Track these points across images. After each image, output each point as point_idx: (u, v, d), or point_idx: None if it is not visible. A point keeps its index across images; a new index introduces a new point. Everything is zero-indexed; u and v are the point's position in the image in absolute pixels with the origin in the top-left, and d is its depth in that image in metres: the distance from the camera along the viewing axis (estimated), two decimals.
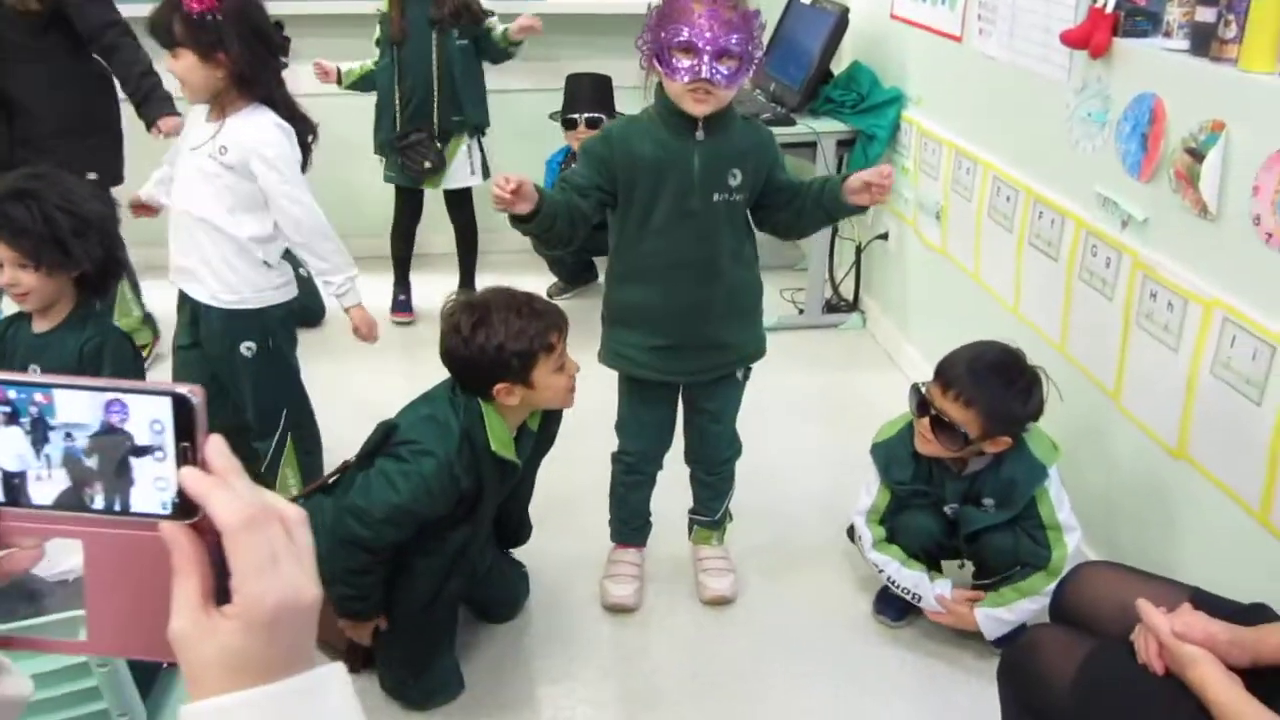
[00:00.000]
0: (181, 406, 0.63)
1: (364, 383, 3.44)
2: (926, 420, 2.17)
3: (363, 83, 3.66)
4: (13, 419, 0.63)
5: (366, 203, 3.96)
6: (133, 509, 0.64)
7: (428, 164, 3.69)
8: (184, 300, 2.51)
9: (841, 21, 3.62)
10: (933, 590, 2.27)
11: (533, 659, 2.34)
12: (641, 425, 2.41)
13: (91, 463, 0.64)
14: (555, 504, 2.63)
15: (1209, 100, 2.03)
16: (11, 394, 0.63)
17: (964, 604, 2.25)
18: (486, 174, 3.81)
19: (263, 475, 2.58)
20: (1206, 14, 2.05)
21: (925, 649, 2.35)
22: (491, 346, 2.02)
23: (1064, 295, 2.54)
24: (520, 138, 4.12)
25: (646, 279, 2.21)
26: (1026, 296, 2.74)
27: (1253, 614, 1.57)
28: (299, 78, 2.52)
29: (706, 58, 1.98)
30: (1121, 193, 2.31)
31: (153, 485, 0.63)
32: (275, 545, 0.61)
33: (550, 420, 2.28)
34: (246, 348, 2.46)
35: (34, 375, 0.64)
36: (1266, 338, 1.88)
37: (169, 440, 0.63)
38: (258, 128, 2.33)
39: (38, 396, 0.63)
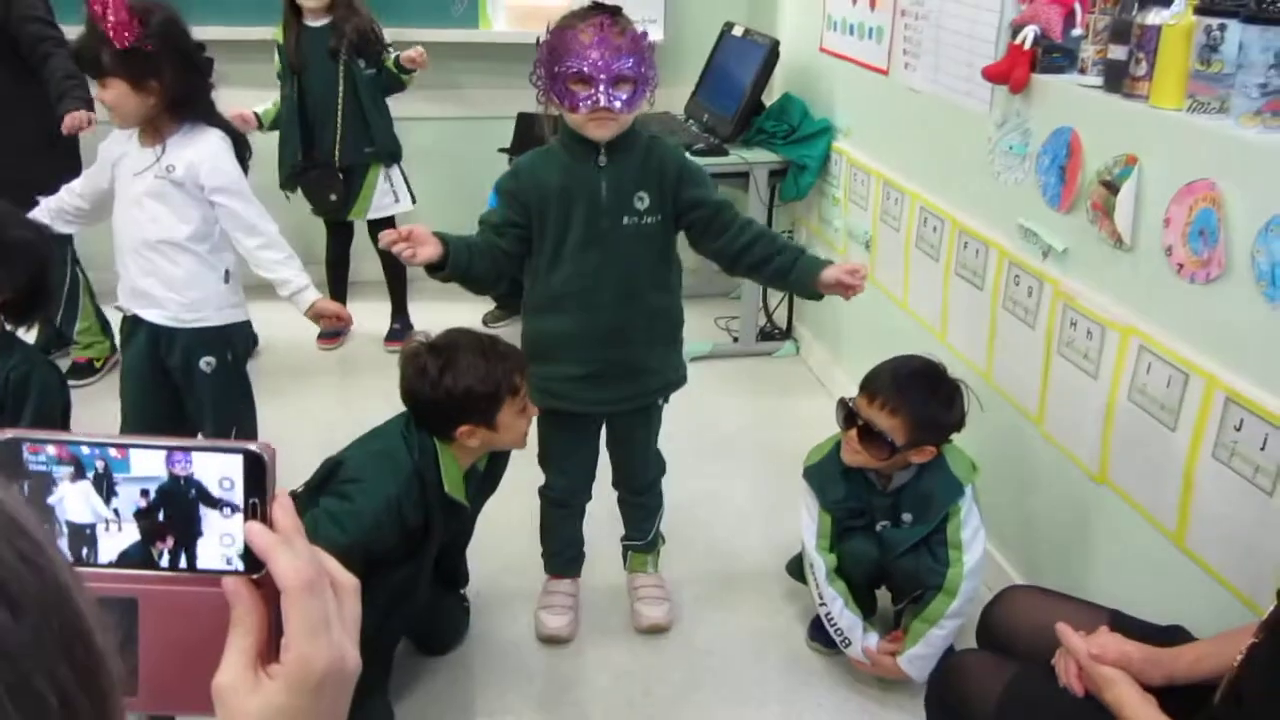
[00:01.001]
0: (253, 464, 0.63)
1: (299, 413, 3.39)
2: (854, 431, 2.20)
3: (279, 119, 3.62)
4: (80, 474, 0.63)
5: (302, 231, 3.90)
6: (202, 564, 0.64)
7: (333, 196, 3.66)
8: (138, 324, 2.50)
9: (772, 54, 3.68)
10: (861, 644, 2.29)
11: (467, 691, 2.32)
12: (565, 460, 2.41)
13: (160, 515, 0.64)
14: (490, 535, 2.61)
15: (1122, 134, 2.10)
16: (84, 449, 0.63)
17: (886, 656, 2.27)
18: (414, 198, 3.81)
19: None
20: (1118, 52, 2.12)
21: (859, 675, 2.36)
22: (459, 389, 2.04)
23: (989, 323, 2.60)
24: (464, 167, 4.13)
25: (562, 308, 2.21)
26: (953, 324, 2.80)
27: (1169, 635, 1.61)
28: (224, 104, 2.53)
29: (602, 85, 2.00)
30: (1042, 223, 2.38)
31: (219, 541, 0.64)
32: (329, 609, 0.61)
33: (496, 463, 2.29)
34: (206, 363, 2.50)
35: (113, 436, 0.64)
36: (1180, 365, 1.94)
37: (238, 497, 0.64)
38: (203, 142, 2.38)
39: (111, 451, 0.63)
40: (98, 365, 3.61)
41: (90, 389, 3.46)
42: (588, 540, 2.55)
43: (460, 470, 2.14)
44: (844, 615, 2.30)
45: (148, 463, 0.63)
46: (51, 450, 0.63)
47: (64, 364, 3.51)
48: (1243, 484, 1.79)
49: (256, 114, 3.55)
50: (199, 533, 0.64)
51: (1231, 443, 1.82)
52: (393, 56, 3.59)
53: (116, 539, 0.64)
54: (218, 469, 0.63)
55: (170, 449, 0.63)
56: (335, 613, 0.62)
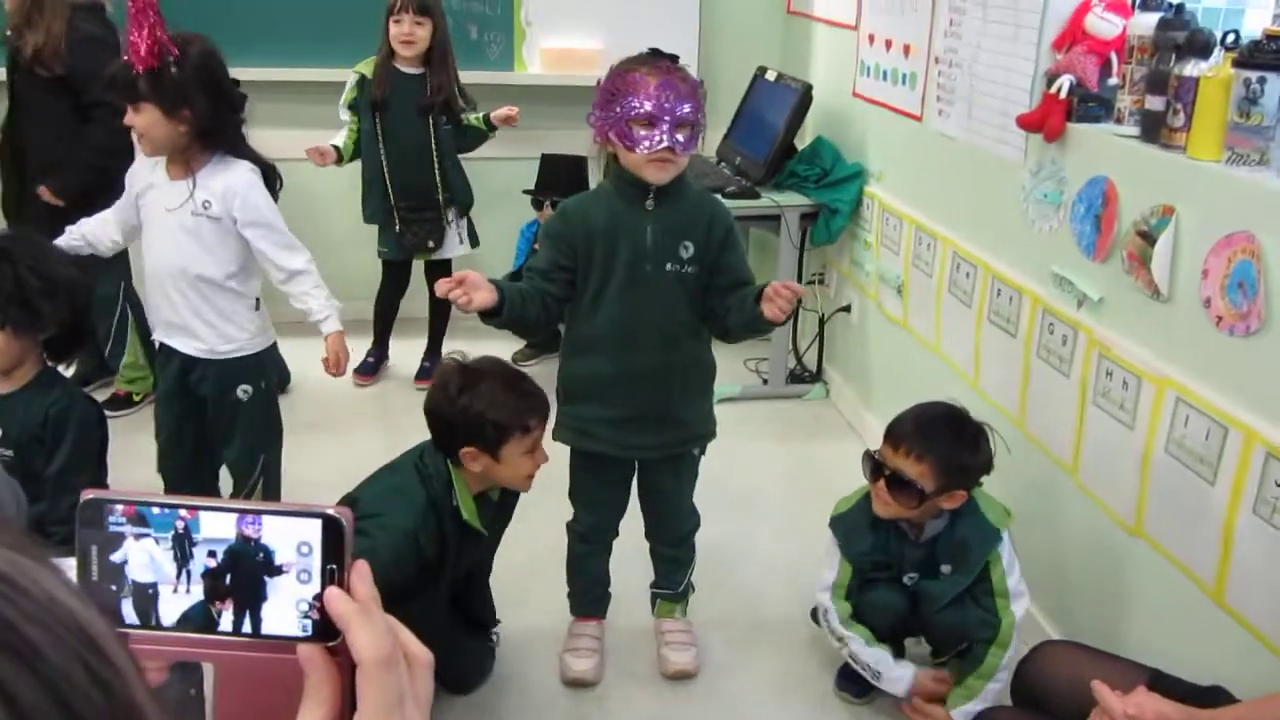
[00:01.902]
0: (331, 529, 0.63)
1: (332, 449, 3.40)
2: (882, 482, 2.18)
3: (357, 150, 3.67)
4: (145, 533, 0.63)
5: (350, 267, 3.92)
6: (271, 629, 0.63)
7: (431, 242, 3.74)
8: (172, 353, 2.53)
9: (805, 98, 3.70)
10: (895, 671, 2.26)
11: None
12: (594, 498, 2.40)
13: (226, 578, 0.63)
14: (514, 575, 2.61)
15: (1159, 185, 2.09)
16: (156, 510, 0.63)
17: (936, 708, 2.23)
18: (475, 242, 3.87)
19: None
20: (1156, 102, 2.12)
21: None
22: (474, 410, 2.08)
23: (1022, 371, 2.57)
24: (497, 206, 4.17)
25: (601, 349, 2.21)
26: (986, 371, 2.78)
27: (1210, 696, 1.58)
28: (266, 142, 2.57)
29: (666, 127, 2.03)
30: (1077, 272, 2.36)
31: (294, 606, 0.63)
32: (404, 686, 0.60)
33: (509, 493, 2.30)
34: (243, 390, 2.53)
35: (186, 498, 0.64)
36: (1218, 418, 1.92)
37: (315, 563, 0.63)
38: (233, 174, 2.41)
39: (183, 511, 0.63)
40: (136, 399, 3.65)
41: (126, 420, 3.49)
42: (615, 581, 2.54)
43: (472, 497, 2.17)
44: (865, 651, 2.27)
45: (218, 524, 0.63)
46: (122, 509, 0.63)
47: (103, 394, 3.56)
48: None
49: (336, 147, 3.60)
50: (264, 596, 0.63)
51: (1273, 499, 1.79)
52: (480, 114, 3.67)
53: (183, 600, 0.63)
54: (294, 534, 0.63)
55: (242, 512, 0.63)
56: (409, 690, 0.61)
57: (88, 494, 0.63)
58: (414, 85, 3.58)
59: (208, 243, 2.41)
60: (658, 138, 2.03)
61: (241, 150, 2.45)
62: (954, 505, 2.19)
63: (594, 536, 2.45)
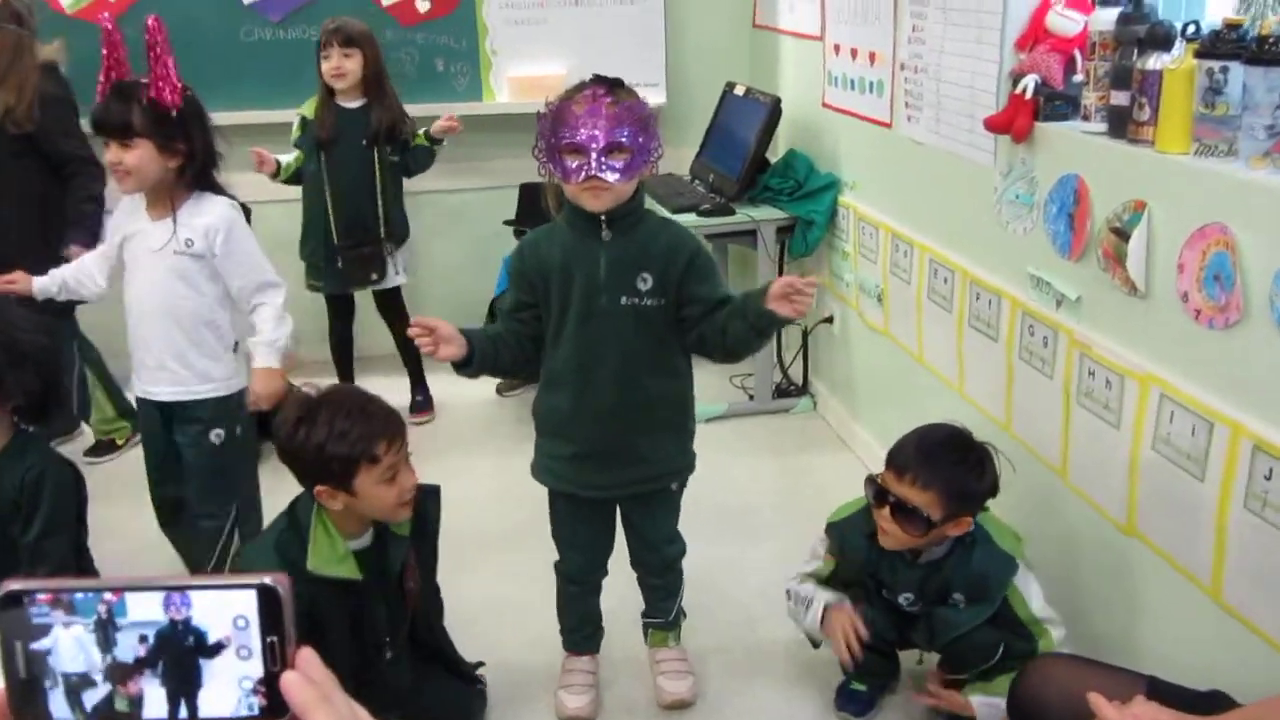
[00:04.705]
0: (268, 598, 0.60)
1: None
2: (886, 510, 2.11)
3: (295, 177, 3.66)
4: (74, 621, 0.61)
5: (300, 311, 3.88)
6: (211, 712, 0.61)
7: (374, 275, 3.71)
8: (151, 406, 2.52)
9: (774, 111, 3.68)
10: (821, 600, 2.25)
11: None
12: (575, 539, 2.35)
13: (159, 666, 0.61)
14: (506, 613, 2.56)
15: (1130, 181, 2.06)
16: (79, 595, 0.60)
17: (952, 693, 2.16)
18: (408, 272, 3.84)
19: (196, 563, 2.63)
20: (1121, 98, 2.10)
21: None
22: (312, 446, 1.89)
23: (1005, 374, 2.55)
24: (473, 238, 4.15)
25: (562, 384, 2.17)
26: (970, 376, 2.75)
27: (1210, 701, 1.54)
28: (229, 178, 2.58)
29: (594, 155, 1.98)
30: (1053, 273, 2.34)
31: (236, 685, 0.61)
32: None
33: (424, 520, 2.09)
34: (216, 435, 2.50)
35: (111, 580, 0.62)
36: (1203, 413, 1.88)
37: (254, 637, 0.60)
38: (213, 210, 2.41)
39: (107, 595, 0.60)
40: (119, 443, 3.65)
41: (119, 477, 3.46)
42: (607, 612, 2.50)
43: (339, 540, 1.94)
44: (804, 587, 2.28)
45: (144, 606, 0.60)
46: (44, 598, 0.60)
47: (81, 444, 3.60)
48: (1278, 535, 1.72)
49: (278, 160, 3.58)
50: (200, 682, 0.60)
51: (1262, 493, 1.75)
52: (421, 131, 3.66)
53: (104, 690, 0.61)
54: (228, 608, 0.60)
55: (169, 589, 0.60)
56: None
57: (9, 585, 0.60)
58: (358, 119, 3.56)
59: (192, 280, 2.41)
60: (586, 166, 1.99)
61: (217, 188, 2.45)
62: (960, 532, 2.12)
63: (580, 577, 2.40)
